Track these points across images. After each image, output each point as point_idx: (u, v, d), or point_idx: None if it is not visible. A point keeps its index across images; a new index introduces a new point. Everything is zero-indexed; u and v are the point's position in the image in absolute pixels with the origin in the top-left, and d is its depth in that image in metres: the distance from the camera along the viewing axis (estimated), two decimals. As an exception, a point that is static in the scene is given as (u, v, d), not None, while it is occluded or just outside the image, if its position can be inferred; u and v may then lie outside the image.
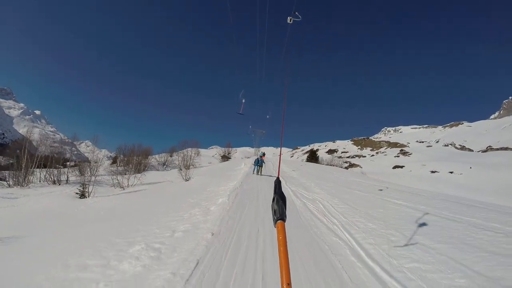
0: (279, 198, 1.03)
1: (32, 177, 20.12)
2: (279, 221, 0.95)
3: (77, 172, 21.59)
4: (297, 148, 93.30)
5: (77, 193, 14.65)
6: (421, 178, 31.34)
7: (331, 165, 38.50)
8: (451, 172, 32.79)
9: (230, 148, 44.93)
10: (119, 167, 26.02)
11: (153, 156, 39.40)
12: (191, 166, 31.58)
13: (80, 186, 14.91)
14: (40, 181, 20.41)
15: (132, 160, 29.26)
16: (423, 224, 5.23)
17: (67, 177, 21.00)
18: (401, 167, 43.26)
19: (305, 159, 50.73)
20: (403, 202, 7.52)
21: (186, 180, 16.17)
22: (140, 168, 29.13)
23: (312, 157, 45.35)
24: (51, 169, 21.38)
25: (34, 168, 21.02)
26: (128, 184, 17.46)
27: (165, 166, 35.59)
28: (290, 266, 0.79)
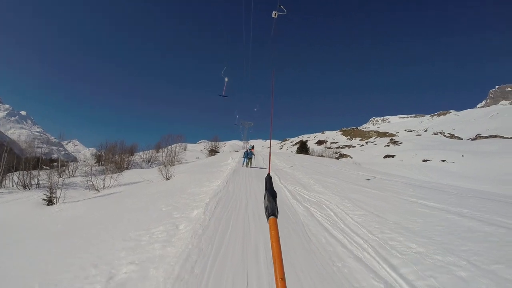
0: (270, 194, 1.01)
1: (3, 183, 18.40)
2: (271, 217, 0.93)
3: (46, 175, 19.69)
4: (286, 140, 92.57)
5: (44, 199, 12.93)
6: (413, 167, 30.88)
7: (321, 156, 37.59)
8: (443, 161, 32.52)
9: (218, 142, 43.06)
10: (93, 167, 24.07)
11: (138, 153, 37.51)
12: (176, 162, 29.95)
13: (48, 191, 13.17)
14: (13, 186, 18.59)
15: (110, 158, 27.36)
16: (483, 241, 3.82)
17: (38, 180, 19.08)
18: (392, 156, 42.94)
19: (294, 151, 49.74)
20: (436, 204, 6.01)
21: (167, 179, 14.64)
22: (122, 166, 27.30)
23: (303, 148, 44.45)
24: (22, 172, 19.46)
25: (1, 173, 19.03)
26: (104, 185, 15.79)
27: (150, 163, 33.80)
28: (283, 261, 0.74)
